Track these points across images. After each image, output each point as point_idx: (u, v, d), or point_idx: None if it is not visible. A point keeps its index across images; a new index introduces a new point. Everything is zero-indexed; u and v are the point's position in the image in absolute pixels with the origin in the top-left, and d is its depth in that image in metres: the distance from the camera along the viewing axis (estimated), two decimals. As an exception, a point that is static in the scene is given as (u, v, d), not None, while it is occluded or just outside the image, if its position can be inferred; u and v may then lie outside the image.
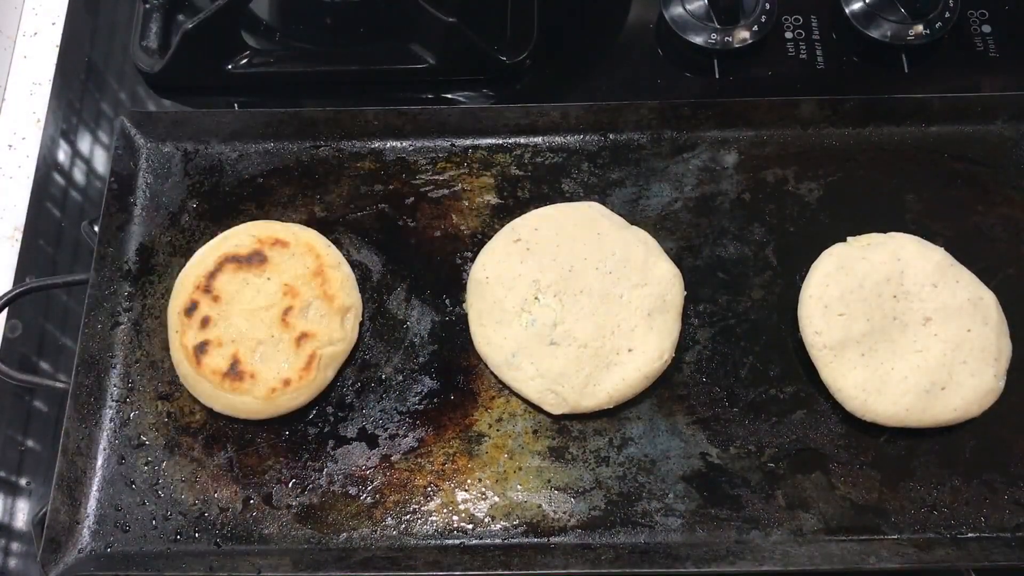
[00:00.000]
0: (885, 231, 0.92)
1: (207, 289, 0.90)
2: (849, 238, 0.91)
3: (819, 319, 0.87)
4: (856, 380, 0.85)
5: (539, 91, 1.09)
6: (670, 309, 0.89)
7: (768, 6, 1.06)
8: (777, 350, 0.90)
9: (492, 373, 0.89)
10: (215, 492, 0.86)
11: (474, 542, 0.83)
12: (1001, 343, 0.87)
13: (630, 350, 0.87)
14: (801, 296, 0.89)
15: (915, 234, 0.92)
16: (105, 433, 0.88)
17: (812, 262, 0.91)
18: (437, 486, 0.85)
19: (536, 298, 0.89)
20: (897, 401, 0.84)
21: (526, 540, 0.83)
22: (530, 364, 0.87)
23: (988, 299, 0.88)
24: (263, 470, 0.87)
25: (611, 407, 0.87)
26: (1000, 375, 0.86)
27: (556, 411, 0.87)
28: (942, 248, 0.90)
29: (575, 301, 0.88)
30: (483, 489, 0.85)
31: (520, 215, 0.95)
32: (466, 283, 0.93)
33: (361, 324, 0.92)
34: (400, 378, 0.90)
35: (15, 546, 0.92)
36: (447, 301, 0.93)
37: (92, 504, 0.86)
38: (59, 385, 0.90)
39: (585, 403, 0.86)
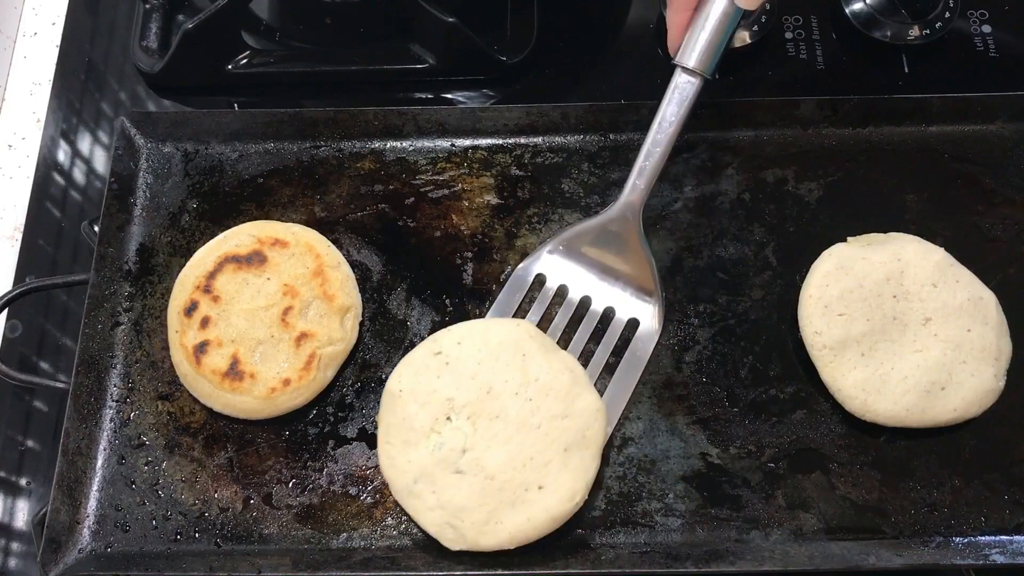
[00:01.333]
0: (885, 231, 0.92)
1: (207, 289, 0.90)
2: (849, 238, 0.91)
3: (819, 319, 0.87)
4: (856, 380, 0.85)
5: (539, 91, 1.09)
6: (590, 445, 0.81)
7: (768, 6, 1.06)
8: (777, 350, 0.90)
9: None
10: (215, 492, 0.86)
11: (474, 542, 0.83)
12: (1001, 343, 0.87)
13: (540, 487, 0.80)
14: (801, 296, 0.89)
15: (915, 234, 0.91)
16: (105, 433, 0.88)
17: (812, 262, 0.91)
18: (437, 486, 0.85)
19: (448, 418, 0.82)
20: (897, 401, 0.84)
21: (526, 540, 0.83)
22: (431, 493, 0.80)
23: (988, 299, 0.88)
24: (263, 470, 0.87)
25: (511, 548, 0.80)
26: (1000, 375, 0.86)
27: (453, 547, 0.80)
28: (942, 248, 0.90)
29: (488, 427, 0.81)
30: (483, 489, 0.85)
31: (520, 212, 0.95)
32: (465, 284, 0.93)
33: (361, 324, 0.92)
34: (400, 378, 0.90)
35: (15, 546, 0.92)
36: (447, 301, 0.93)
37: (92, 504, 0.86)
38: (59, 385, 0.90)
39: (484, 542, 0.80)
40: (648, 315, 0.90)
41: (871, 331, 0.86)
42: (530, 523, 0.79)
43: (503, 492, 0.80)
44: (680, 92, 0.87)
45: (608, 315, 0.91)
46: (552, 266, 0.92)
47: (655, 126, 0.88)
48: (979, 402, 0.85)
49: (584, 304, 0.91)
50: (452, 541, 0.80)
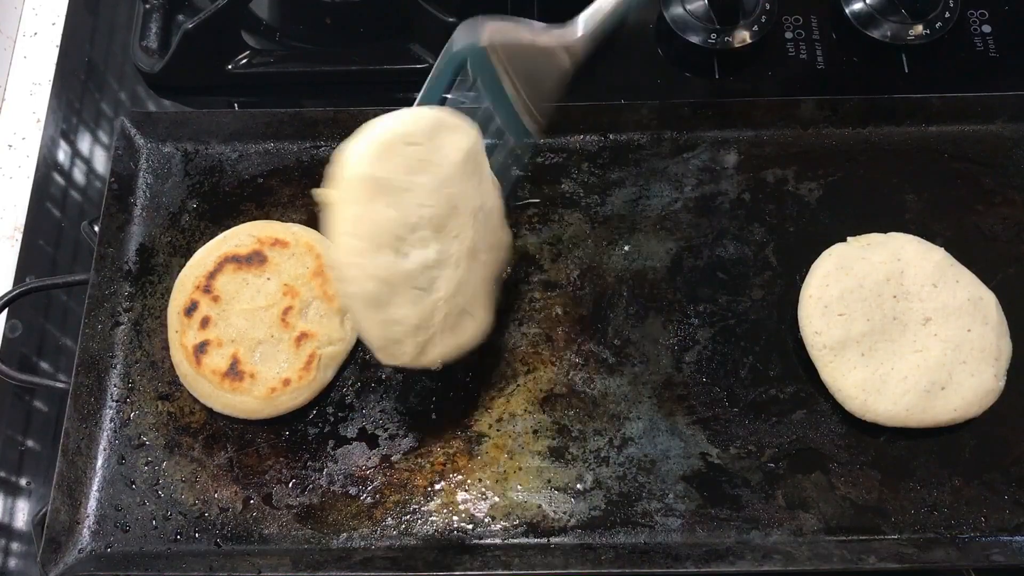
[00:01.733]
0: (885, 231, 0.92)
1: (207, 289, 0.90)
2: (849, 238, 0.91)
3: (819, 319, 0.87)
4: (856, 380, 0.85)
5: (539, 91, 1.09)
6: (498, 279, 0.83)
7: (768, 6, 1.06)
8: (777, 350, 0.90)
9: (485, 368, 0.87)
10: (215, 492, 0.86)
11: (474, 542, 0.83)
12: (1001, 343, 0.87)
13: (471, 316, 0.82)
14: (801, 296, 0.89)
15: (915, 234, 0.91)
16: (105, 433, 0.88)
17: (812, 262, 0.91)
18: (437, 486, 0.85)
19: (414, 229, 0.75)
20: (897, 401, 0.84)
21: (526, 540, 0.83)
22: (388, 306, 0.76)
23: (988, 299, 0.88)
24: (263, 470, 0.87)
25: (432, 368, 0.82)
26: (1000, 375, 0.86)
27: (387, 362, 0.80)
28: (942, 248, 0.90)
29: (447, 246, 0.77)
30: (483, 489, 0.85)
31: (520, 212, 0.95)
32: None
33: (361, 324, 0.92)
34: (400, 378, 0.90)
35: (15, 546, 0.92)
36: (447, 301, 0.93)
37: (92, 504, 0.86)
38: (59, 385, 0.90)
39: (420, 360, 0.80)
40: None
41: (871, 331, 0.86)
42: (457, 349, 0.82)
43: (447, 317, 0.79)
44: None
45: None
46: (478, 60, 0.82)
47: None
48: (979, 402, 0.85)
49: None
50: (391, 357, 0.79)
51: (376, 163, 0.74)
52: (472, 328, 0.83)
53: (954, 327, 0.86)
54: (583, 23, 0.85)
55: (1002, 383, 0.86)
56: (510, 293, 0.92)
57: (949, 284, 0.88)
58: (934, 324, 0.87)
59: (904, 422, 0.85)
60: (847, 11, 1.07)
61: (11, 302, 0.92)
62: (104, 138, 1.10)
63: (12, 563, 0.91)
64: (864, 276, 0.88)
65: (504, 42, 0.82)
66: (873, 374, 0.85)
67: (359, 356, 0.91)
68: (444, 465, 0.86)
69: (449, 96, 0.83)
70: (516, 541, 0.83)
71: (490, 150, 0.84)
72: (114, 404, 0.89)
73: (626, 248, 0.94)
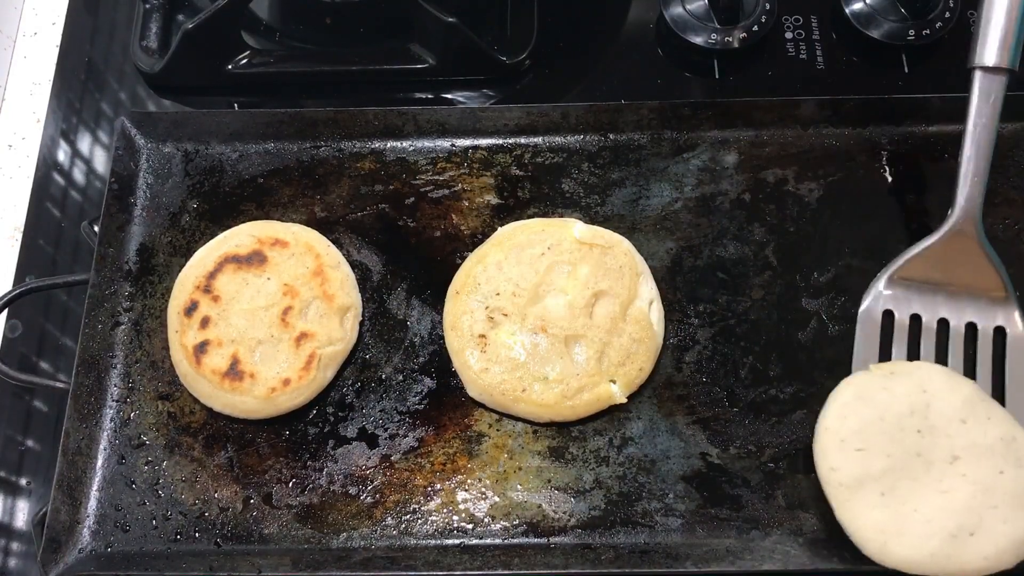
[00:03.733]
0: (885, 231, 0.92)
1: (207, 289, 0.90)
2: (872, 366, 0.85)
3: (835, 454, 0.80)
4: (874, 521, 0.78)
5: (539, 91, 1.09)
6: None
7: (768, 6, 1.06)
8: (777, 350, 0.90)
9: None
10: (215, 492, 0.86)
11: (474, 542, 0.83)
12: None
13: None
14: (817, 428, 0.83)
15: (916, 235, 0.91)
16: (105, 433, 0.88)
17: (812, 262, 0.91)
18: (437, 486, 0.85)
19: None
20: (920, 546, 0.77)
21: (526, 540, 0.83)
22: None
23: (1022, 439, 0.80)
24: (263, 470, 0.87)
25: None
26: None
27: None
28: (972, 381, 0.84)
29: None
30: (483, 489, 0.85)
31: (520, 212, 0.95)
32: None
33: (361, 324, 0.92)
34: (400, 378, 0.90)
35: (15, 546, 0.92)
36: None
37: (92, 504, 0.86)
38: (59, 385, 0.90)
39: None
40: (1012, 319, 0.87)
41: (892, 468, 0.79)
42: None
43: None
44: (983, 93, 0.85)
45: (972, 330, 0.88)
46: (895, 300, 0.89)
47: (968, 132, 0.86)
48: (1015, 551, 0.77)
49: (943, 326, 0.88)
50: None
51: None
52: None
53: (985, 467, 0.79)
54: None
55: None
56: (510, 293, 0.92)
57: (980, 420, 0.81)
58: (962, 463, 0.79)
59: (928, 569, 0.78)
60: (847, 11, 1.07)
61: (11, 302, 0.92)
62: (104, 138, 1.10)
63: (12, 563, 0.91)
64: (886, 408, 0.81)
65: (902, 265, 0.89)
66: (894, 515, 0.78)
67: (359, 356, 0.91)
68: (444, 465, 0.86)
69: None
70: (516, 541, 0.83)
71: None
72: (114, 404, 0.89)
73: (626, 248, 0.94)
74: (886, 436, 0.80)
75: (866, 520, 0.79)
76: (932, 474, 0.79)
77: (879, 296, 0.89)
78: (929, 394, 0.82)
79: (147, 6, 1.12)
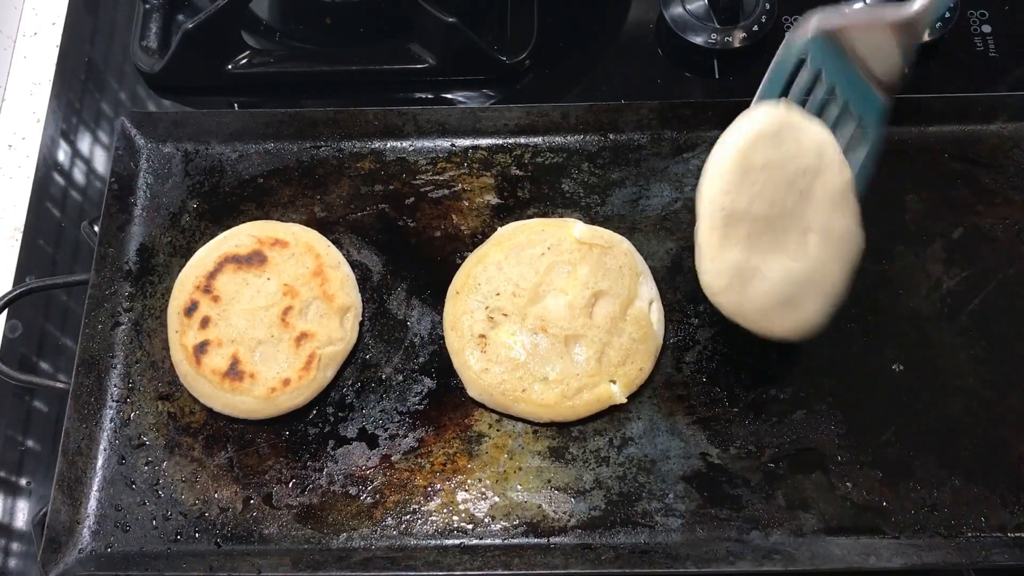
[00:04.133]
0: (885, 231, 0.92)
1: (207, 289, 0.90)
2: (784, 102, 0.82)
3: (737, 177, 0.77)
4: (731, 259, 0.78)
5: (539, 91, 1.09)
6: None
7: (768, 6, 1.06)
8: (777, 350, 0.90)
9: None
10: (215, 492, 0.86)
11: (474, 542, 0.83)
12: (841, 282, 0.82)
13: None
14: (724, 141, 0.78)
15: (915, 234, 0.91)
16: (105, 433, 0.88)
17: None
18: (437, 486, 0.85)
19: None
20: (755, 300, 0.79)
21: (526, 540, 0.83)
22: None
23: (857, 239, 0.82)
24: (263, 470, 0.87)
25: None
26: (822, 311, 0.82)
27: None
28: (850, 171, 0.83)
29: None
30: (483, 489, 0.85)
31: (520, 212, 0.95)
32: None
33: (361, 324, 0.92)
34: (400, 378, 0.90)
35: (15, 546, 0.92)
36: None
37: (92, 504, 0.86)
38: (59, 385, 0.90)
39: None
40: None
41: (767, 217, 0.78)
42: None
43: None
44: None
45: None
46: (816, 49, 0.83)
47: None
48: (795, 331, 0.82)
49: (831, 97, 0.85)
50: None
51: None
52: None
53: (824, 253, 0.81)
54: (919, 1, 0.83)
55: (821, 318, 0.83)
56: (510, 293, 0.92)
57: (841, 210, 0.81)
58: (812, 240, 0.81)
59: (748, 323, 0.81)
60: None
61: (11, 302, 0.92)
62: (104, 138, 1.10)
63: (12, 563, 0.91)
64: (790, 159, 0.78)
65: (842, 26, 0.83)
66: (746, 261, 0.78)
67: (359, 356, 0.91)
68: (444, 465, 0.86)
69: None
70: (516, 541, 0.83)
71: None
72: (114, 404, 0.89)
73: (626, 248, 0.94)
74: (778, 185, 0.78)
75: (725, 255, 0.78)
76: (789, 237, 0.79)
77: (806, 42, 0.83)
78: (823, 163, 0.80)
79: (147, 6, 1.12)
